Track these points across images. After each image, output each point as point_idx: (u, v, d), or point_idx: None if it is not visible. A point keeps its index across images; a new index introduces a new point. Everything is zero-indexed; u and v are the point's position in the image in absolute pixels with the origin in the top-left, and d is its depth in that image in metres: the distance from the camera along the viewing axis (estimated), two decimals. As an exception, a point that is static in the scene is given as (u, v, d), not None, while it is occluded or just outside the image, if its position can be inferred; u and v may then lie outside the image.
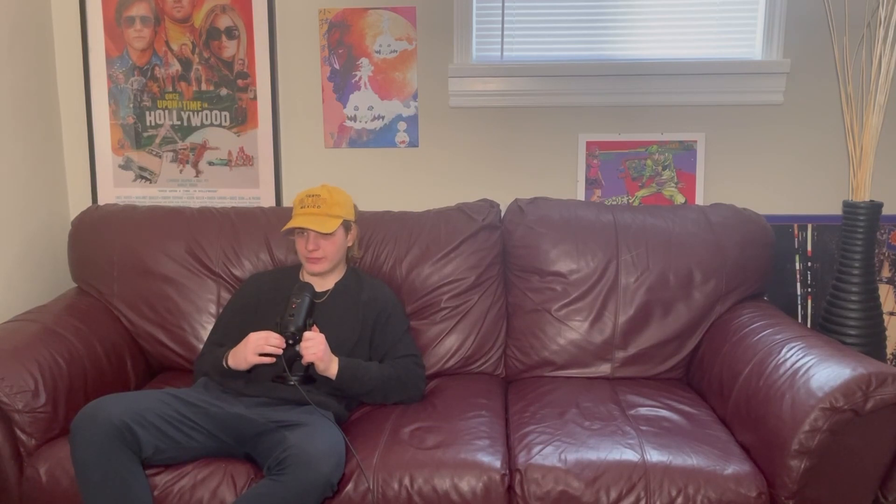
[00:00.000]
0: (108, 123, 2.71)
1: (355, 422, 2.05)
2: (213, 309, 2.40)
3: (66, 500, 1.83)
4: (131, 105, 2.70)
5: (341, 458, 1.78)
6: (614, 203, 2.62)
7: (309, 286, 2.07)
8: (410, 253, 2.41)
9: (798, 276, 2.62)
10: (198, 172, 2.73)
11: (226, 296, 2.41)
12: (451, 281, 2.39)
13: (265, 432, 1.83)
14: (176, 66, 2.67)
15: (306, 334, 1.96)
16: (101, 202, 2.74)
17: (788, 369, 1.86)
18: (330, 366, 1.99)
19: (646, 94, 2.59)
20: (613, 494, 1.76)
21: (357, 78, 2.65)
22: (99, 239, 2.44)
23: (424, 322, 2.39)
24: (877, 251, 2.59)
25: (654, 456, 1.82)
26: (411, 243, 2.42)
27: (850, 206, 2.36)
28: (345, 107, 2.67)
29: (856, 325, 2.35)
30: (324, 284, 2.21)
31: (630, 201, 2.65)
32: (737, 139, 2.63)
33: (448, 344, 2.37)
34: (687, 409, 2.09)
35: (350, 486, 1.80)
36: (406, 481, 1.80)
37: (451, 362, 2.37)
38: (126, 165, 2.74)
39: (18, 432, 1.88)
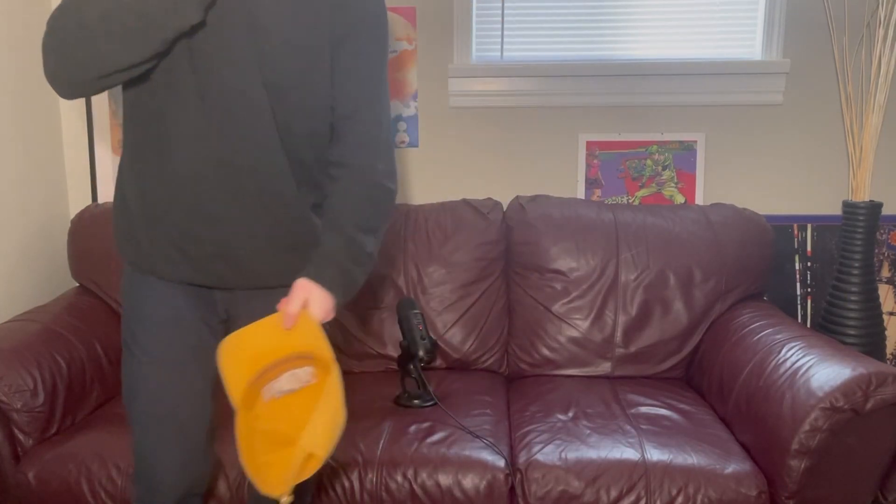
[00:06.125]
0: (109, 123, 2.71)
1: (356, 414, 2.04)
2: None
3: (63, 499, 1.83)
4: (131, 105, 2.70)
5: None
6: (614, 203, 2.62)
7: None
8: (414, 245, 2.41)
9: (798, 276, 2.62)
10: (198, 172, 2.72)
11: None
12: (454, 275, 2.38)
13: None
14: (176, 66, 2.66)
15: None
16: (101, 202, 2.73)
17: (788, 369, 1.86)
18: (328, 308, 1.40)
19: (646, 94, 2.59)
20: (614, 493, 1.76)
21: (357, 78, 2.65)
22: (97, 230, 2.44)
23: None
24: (877, 251, 2.59)
25: (655, 455, 1.82)
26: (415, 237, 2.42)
27: (849, 206, 2.37)
28: (345, 107, 2.66)
29: (856, 325, 2.35)
30: None
31: (630, 201, 2.65)
32: (737, 139, 2.63)
33: (451, 339, 2.37)
34: (687, 408, 2.09)
35: (354, 480, 1.80)
36: (410, 475, 1.80)
37: (455, 357, 2.37)
38: (126, 165, 2.73)
39: (16, 431, 1.89)
